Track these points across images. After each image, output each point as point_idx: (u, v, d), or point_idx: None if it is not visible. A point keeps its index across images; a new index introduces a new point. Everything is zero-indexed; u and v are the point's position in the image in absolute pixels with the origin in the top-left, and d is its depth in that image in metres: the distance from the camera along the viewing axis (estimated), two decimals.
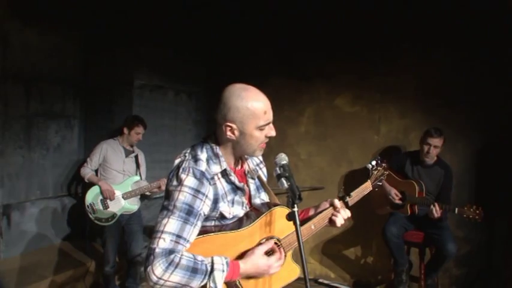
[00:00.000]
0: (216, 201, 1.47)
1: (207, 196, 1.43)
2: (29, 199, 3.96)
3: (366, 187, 1.90)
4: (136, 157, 3.80)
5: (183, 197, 1.38)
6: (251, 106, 1.44)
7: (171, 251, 1.31)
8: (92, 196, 3.58)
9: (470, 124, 3.79)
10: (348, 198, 1.77)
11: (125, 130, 3.70)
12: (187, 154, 1.51)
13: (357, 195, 1.83)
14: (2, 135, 3.70)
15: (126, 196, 3.63)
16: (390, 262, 3.72)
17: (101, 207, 3.56)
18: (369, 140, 4.24)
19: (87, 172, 3.66)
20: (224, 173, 1.51)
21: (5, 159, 3.72)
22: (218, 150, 1.52)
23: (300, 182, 4.36)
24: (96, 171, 3.72)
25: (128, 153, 3.75)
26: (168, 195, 1.43)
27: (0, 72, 3.65)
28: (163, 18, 4.36)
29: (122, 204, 3.62)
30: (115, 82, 4.31)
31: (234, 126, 1.45)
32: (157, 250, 1.31)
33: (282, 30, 4.52)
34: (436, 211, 3.18)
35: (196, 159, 1.47)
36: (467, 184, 3.82)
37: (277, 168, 1.51)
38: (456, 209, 3.13)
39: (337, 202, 1.69)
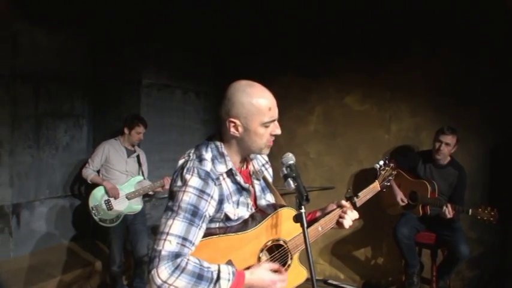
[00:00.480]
0: (221, 202, 1.44)
1: (212, 197, 1.40)
2: (38, 198, 3.99)
3: (374, 187, 1.86)
4: (138, 157, 3.78)
5: (187, 197, 1.36)
6: (256, 102, 1.41)
7: (177, 255, 1.28)
8: (96, 197, 3.56)
9: (483, 123, 3.70)
10: (355, 199, 1.72)
11: (126, 130, 3.67)
12: (191, 154, 1.48)
13: (364, 195, 1.79)
14: (12, 135, 3.73)
15: (130, 196, 3.60)
16: (401, 263, 3.66)
17: (105, 208, 3.54)
18: (380, 138, 4.18)
19: (90, 173, 3.64)
20: (230, 173, 1.48)
21: (14, 159, 3.75)
22: (223, 149, 1.49)
23: (309, 182, 4.33)
24: (98, 172, 3.68)
25: (129, 153, 3.72)
26: (172, 196, 1.40)
27: (10, 72, 3.68)
28: (171, 17, 4.35)
29: (126, 205, 3.60)
30: (123, 81, 4.31)
31: (237, 122, 1.43)
32: (163, 253, 1.28)
33: (290, 29, 4.48)
34: (449, 212, 3.12)
35: (201, 159, 1.44)
36: (480, 184, 3.74)
37: (284, 168, 1.48)
38: (470, 211, 3.05)
39: (344, 203, 1.65)
